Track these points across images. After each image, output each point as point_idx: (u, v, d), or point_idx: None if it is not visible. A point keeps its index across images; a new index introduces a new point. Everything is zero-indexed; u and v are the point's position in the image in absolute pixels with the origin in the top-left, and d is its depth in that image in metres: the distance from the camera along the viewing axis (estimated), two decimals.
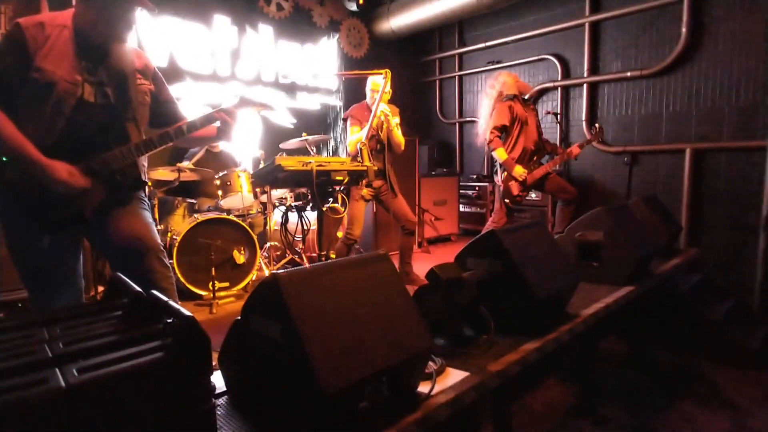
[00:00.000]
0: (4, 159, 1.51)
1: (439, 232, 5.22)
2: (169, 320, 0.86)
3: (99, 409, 0.69)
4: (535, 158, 3.73)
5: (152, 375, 0.73)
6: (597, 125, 3.89)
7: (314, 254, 3.52)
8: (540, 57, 5.32)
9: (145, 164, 1.77)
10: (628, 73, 4.56)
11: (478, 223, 5.64)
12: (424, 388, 1.22)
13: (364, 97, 3.38)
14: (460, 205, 5.64)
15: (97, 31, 1.56)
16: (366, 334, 1.05)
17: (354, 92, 5.49)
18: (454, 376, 1.32)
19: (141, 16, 1.62)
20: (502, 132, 3.62)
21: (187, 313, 0.78)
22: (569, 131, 5.14)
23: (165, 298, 0.87)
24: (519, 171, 3.57)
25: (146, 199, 1.78)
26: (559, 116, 4.94)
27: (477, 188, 5.63)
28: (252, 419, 1.09)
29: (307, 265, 3.52)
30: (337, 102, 5.56)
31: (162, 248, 1.66)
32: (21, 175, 1.48)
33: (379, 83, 3.30)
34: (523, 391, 2.37)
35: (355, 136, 3.11)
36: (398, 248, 3.54)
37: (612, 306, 2.14)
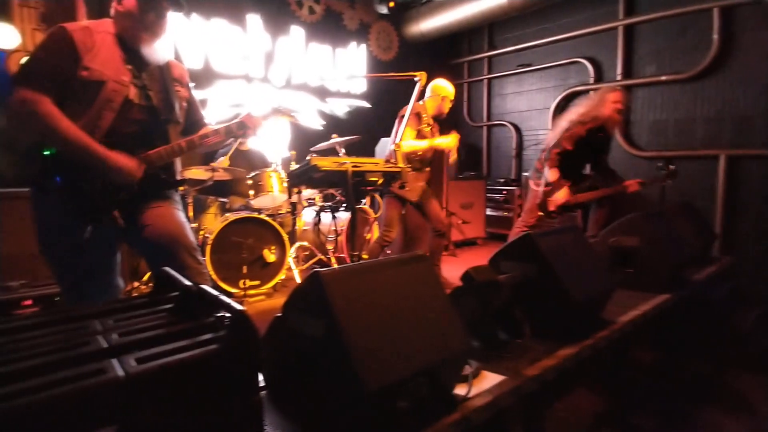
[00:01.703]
0: (46, 153, 1.57)
1: (465, 235, 5.19)
2: (219, 314, 0.88)
3: (155, 399, 0.72)
4: (583, 183, 3.54)
5: (206, 367, 0.75)
6: (671, 166, 3.56)
7: (342, 255, 3.54)
8: (572, 60, 5.23)
9: (180, 166, 1.83)
10: (663, 77, 4.46)
11: (505, 226, 5.57)
12: (460, 390, 1.21)
13: (393, 100, 3.40)
14: (487, 209, 5.59)
15: (135, 33, 1.63)
16: (406, 333, 1.05)
17: (383, 95, 5.52)
18: (489, 379, 1.31)
19: (177, 20, 1.68)
20: (564, 157, 3.41)
21: (239, 306, 0.80)
22: None
23: (215, 292, 0.89)
24: (561, 195, 3.39)
25: (179, 199, 1.84)
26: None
27: (504, 192, 5.57)
28: (291, 415, 1.10)
29: (335, 265, 3.56)
30: (365, 104, 5.59)
31: (195, 246, 1.71)
32: (71, 167, 1.53)
33: (450, 91, 3.32)
34: (556, 397, 2.33)
35: (413, 143, 3.09)
36: (427, 250, 3.54)
37: (649, 314, 2.09)
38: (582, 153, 3.45)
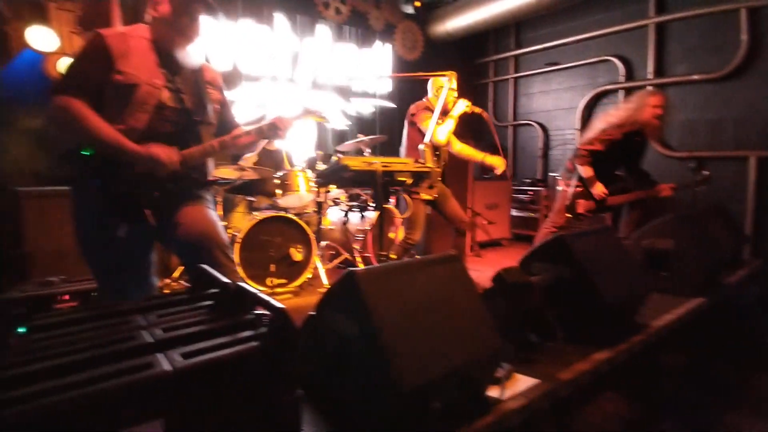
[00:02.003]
0: (85, 153, 1.61)
1: (490, 236, 5.13)
2: (258, 311, 0.90)
3: (199, 394, 0.73)
4: (618, 181, 3.45)
5: (249, 363, 0.76)
6: (705, 172, 3.49)
7: (368, 254, 3.55)
8: (601, 58, 5.12)
9: (212, 166, 1.87)
10: (695, 76, 4.35)
11: (531, 228, 5.49)
12: (492, 392, 1.20)
13: (417, 100, 3.37)
14: (512, 210, 5.52)
15: (169, 36, 1.67)
16: (440, 333, 1.05)
17: (407, 95, 5.51)
18: (522, 382, 1.30)
19: (208, 23, 1.72)
20: (593, 158, 3.33)
21: (280, 305, 0.81)
22: None
23: (254, 290, 0.90)
24: (599, 189, 3.30)
25: (212, 198, 1.87)
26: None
27: (530, 192, 5.49)
28: (324, 412, 1.11)
29: (361, 264, 3.58)
30: (390, 105, 5.60)
31: (228, 244, 1.73)
32: (108, 167, 1.58)
33: (442, 80, 3.29)
34: (585, 402, 2.29)
35: (447, 127, 3.05)
36: (451, 250, 3.51)
37: (684, 318, 2.04)
38: (614, 156, 3.37)
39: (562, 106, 5.62)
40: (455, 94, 3.27)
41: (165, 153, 1.59)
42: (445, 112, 3.31)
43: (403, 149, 3.35)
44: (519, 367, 1.35)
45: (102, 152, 1.55)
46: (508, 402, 1.16)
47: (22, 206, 2.89)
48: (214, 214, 1.80)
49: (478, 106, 3.11)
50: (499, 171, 3.20)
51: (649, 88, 4.42)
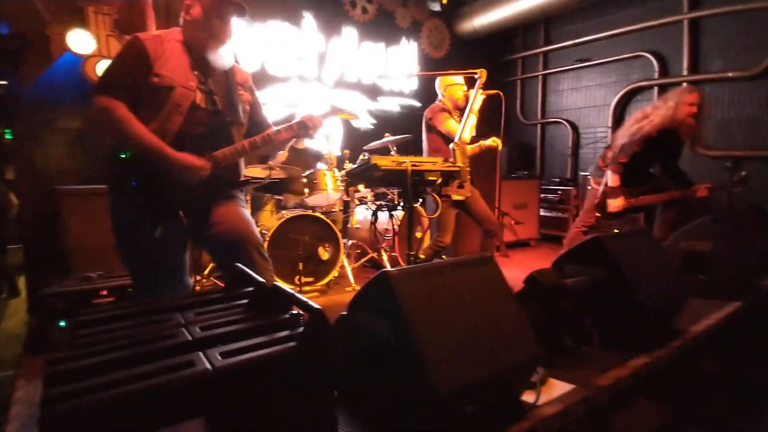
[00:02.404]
0: (123, 155, 1.66)
1: (518, 236, 5.05)
2: (294, 311, 0.90)
3: (239, 393, 0.74)
4: (647, 188, 3.35)
5: (286, 363, 0.76)
6: (742, 173, 3.39)
7: (395, 254, 3.54)
8: (635, 54, 4.97)
9: (243, 166, 1.89)
10: (730, 74, 4.19)
11: (560, 228, 5.38)
12: (527, 397, 1.18)
13: None
14: (541, 209, 5.41)
15: (201, 39, 1.70)
16: (475, 336, 1.03)
17: (433, 93, 5.47)
18: (557, 387, 1.27)
19: (237, 25, 1.74)
20: (632, 159, 3.22)
21: (317, 306, 0.81)
22: None
23: (290, 290, 0.91)
24: (617, 203, 3.23)
25: (244, 198, 1.89)
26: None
27: (560, 192, 5.37)
28: (356, 413, 1.11)
29: (387, 264, 3.57)
30: (416, 103, 5.57)
31: (262, 243, 1.75)
32: (144, 169, 1.61)
33: (450, 78, 3.27)
34: (619, 408, 2.23)
35: (470, 123, 2.95)
36: (478, 251, 3.47)
37: (721, 322, 1.96)
38: (650, 155, 3.27)
39: (594, 104, 5.48)
40: (464, 88, 3.24)
41: (197, 161, 1.63)
42: (458, 109, 3.28)
43: (424, 155, 3.33)
44: (554, 372, 1.32)
45: (138, 154, 1.59)
46: (543, 407, 1.14)
47: (62, 204, 3.00)
48: (248, 213, 1.82)
49: (505, 105, 3.05)
50: (498, 146, 3.12)
51: (685, 85, 4.26)
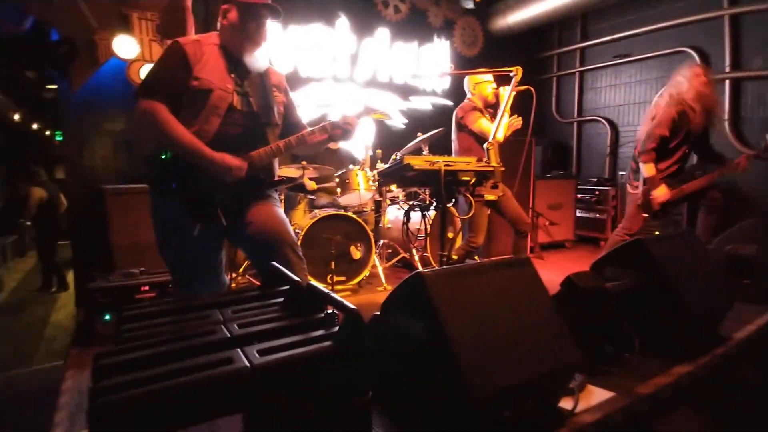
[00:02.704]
0: (163, 156, 1.71)
1: (553, 237, 4.94)
2: (329, 311, 0.90)
3: (276, 390, 0.75)
4: (680, 172, 3.24)
5: (322, 362, 0.77)
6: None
7: (427, 254, 3.52)
8: (676, 49, 4.77)
9: (278, 166, 1.92)
10: None
11: (597, 229, 5.22)
12: (565, 404, 1.14)
13: None
14: (577, 210, 5.27)
15: (237, 42, 1.74)
16: (512, 340, 1.01)
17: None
18: (596, 394, 1.23)
19: (272, 28, 1.77)
20: (661, 144, 3.15)
21: (352, 306, 0.81)
22: (710, 131, 4.56)
23: (325, 290, 0.91)
24: (660, 192, 3.12)
25: (278, 197, 1.92)
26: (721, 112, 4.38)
27: (597, 192, 5.21)
28: (389, 414, 1.10)
29: (419, 265, 3.56)
30: (449, 102, 5.53)
31: (296, 242, 1.78)
32: (184, 170, 1.66)
33: (478, 77, 3.22)
34: (658, 416, 2.15)
35: (504, 121, 2.93)
36: (510, 251, 3.42)
37: (765, 329, 1.86)
38: (677, 137, 3.15)
39: (635, 100, 5.29)
40: (494, 85, 3.18)
41: (235, 162, 1.67)
42: (487, 107, 3.23)
43: (454, 155, 3.29)
44: (593, 379, 1.28)
45: (178, 155, 1.64)
46: (582, 415, 1.10)
47: (108, 203, 3.13)
48: (282, 212, 1.85)
49: (540, 102, 2.98)
50: (518, 123, 3.05)
51: (653, 63, 4.08)
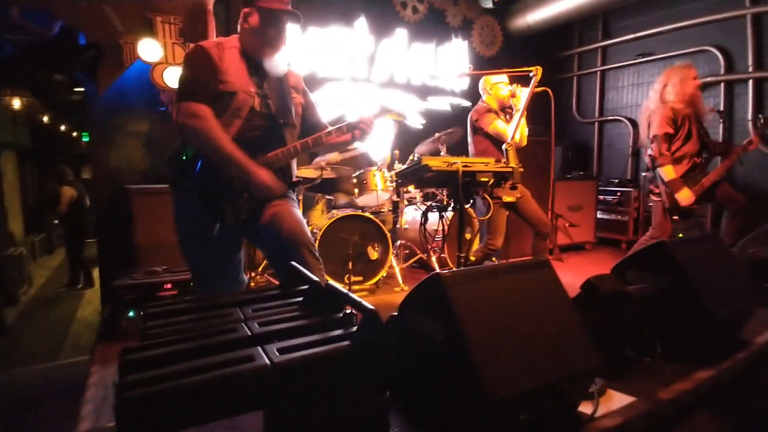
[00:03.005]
0: (184, 157, 1.75)
1: (573, 239, 4.87)
2: (347, 311, 0.91)
3: (295, 389, 0.76)
4: (699, 165, 3.21)
5: (340, 362, 0.78)
6: (762, 117, 3.36)
7: (444, 255, 3.52)
8: (699, 48, 4.66)
9: (295, 167, 1.94)
10: None
11: (618, 231, 5.13)
12: (584, 408, 1.13)
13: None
14: (598, 212, 5.18)
15: (257, 46, 1.77)
16: (531, 343, 1.00)
17: None
18: (617, 399, 1.21)
19: (290, 30, 1.79)
20: (668, 141, 3.15)
21: (370, 306, 0.82)
22: (733, 132, 4.48)
23: (344, 290, 0.92)
24: (685, 194, 3.08)
25: (296, 197, 1.94)
26: (722, 115, 4.29)
27: (619, 194, 5.12)
28: (406, 414, 1.11)
29: (436, 266, 3.55)
30: (467, 102, 5.50)
31: (313, 242, 1.79)
32: (205, 170, 1.69)
33: (493, 80, 3.22)
34: (680, 423, 2.10)
35: (509, 126, 2.97)
36: (530, 253, 3.38)
37: None
38: (681, 135, 3.16)
39: None
40: (510, 87, 3.15)
41: (272, 182, 1.71)
42: (503, 108, 3.21)
43: (470, 157, 3.27)
44: (613, 383, 1.26)
45: (219, 162, 1.67)
46: (601, 420, 1.09)
47: (132, 202, 3.21)
48: (300, 213, 1.87)
49: (560, 102, 2.95)
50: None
51: (677, 62, 4.07)
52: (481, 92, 3.34)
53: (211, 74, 1.68)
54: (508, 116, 3.22)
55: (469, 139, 3.32)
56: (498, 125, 3.04)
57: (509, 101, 3.16)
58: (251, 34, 1.77)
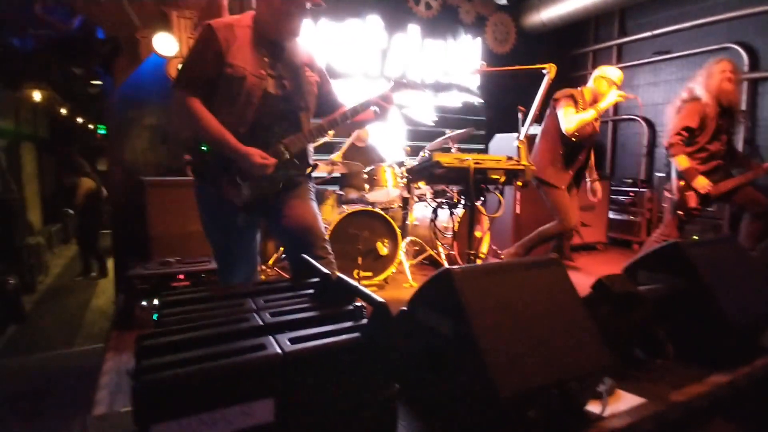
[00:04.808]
0: (204, 147, 1.76)
1: (584, 239, 4.82)
2: (357, 303, 0.92)
3: (306, 379, 0.77)
4: (721, 167, 3.16)
5: (350, 353, 0.79)
6: None
7: (453, 252, 3.51)
8: (721, 46, 4.56)
9: (312, 151, 1.92)
10: None
11: (630, 232, 5.07)
12: (593, 407, 1.13)
13: (507, 95, 3.30)
14: (610, 212, 5.12)
15: (275, 28, 1.72)
16: (540, 340, 1.01)
17: (496, 89, 5.35)
18: (626, 400, 1.21)
19: (307, 22, 1.73)
20: (688, 135, 3.10)
21: (380, 299, 0.82)
22: (756, 132, 4.36)
23: (354, 283, 0.93)
24: (702, 182, 3.02)
25: (313, 189, 1.93)
26: (744, 114, 4.20)
27: (632, 194, 5.06)
28: (414, 408, 1.12)
29: (445, 263, 3.55)
30: (479, 100, 5.47)
31: (326, 238, 1.80)
32: (222, 159, 1.70)
33: (610, 76, 3.27)
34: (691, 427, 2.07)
35: (580, 116, 3.05)
36: (549, 251, 3.38)
37: None
38: (707, 134, 3.09)
39: (674, 100, 5.10)
40: (617, 92, 3.18)
41: (260, 157, 1.66)
42: (595, 101, 3.23)
43: (539, 135, 3.36)
44: (623, 384, 1.25)
45: (211, 147, 1.68)
46: (610, 420, 1.09)
47: (146, 194, 3.25)
48: (316, 206, 1.87)
49: None
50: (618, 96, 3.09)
51: (696, 61, 4.01)
52: (589, 80, 3.39)
53: (214, 60, 1.65)
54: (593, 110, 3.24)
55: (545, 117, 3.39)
56: (568, 110, 3.09)
57: (602, 97, 3.21)
58: (269, 15, 1.71)
